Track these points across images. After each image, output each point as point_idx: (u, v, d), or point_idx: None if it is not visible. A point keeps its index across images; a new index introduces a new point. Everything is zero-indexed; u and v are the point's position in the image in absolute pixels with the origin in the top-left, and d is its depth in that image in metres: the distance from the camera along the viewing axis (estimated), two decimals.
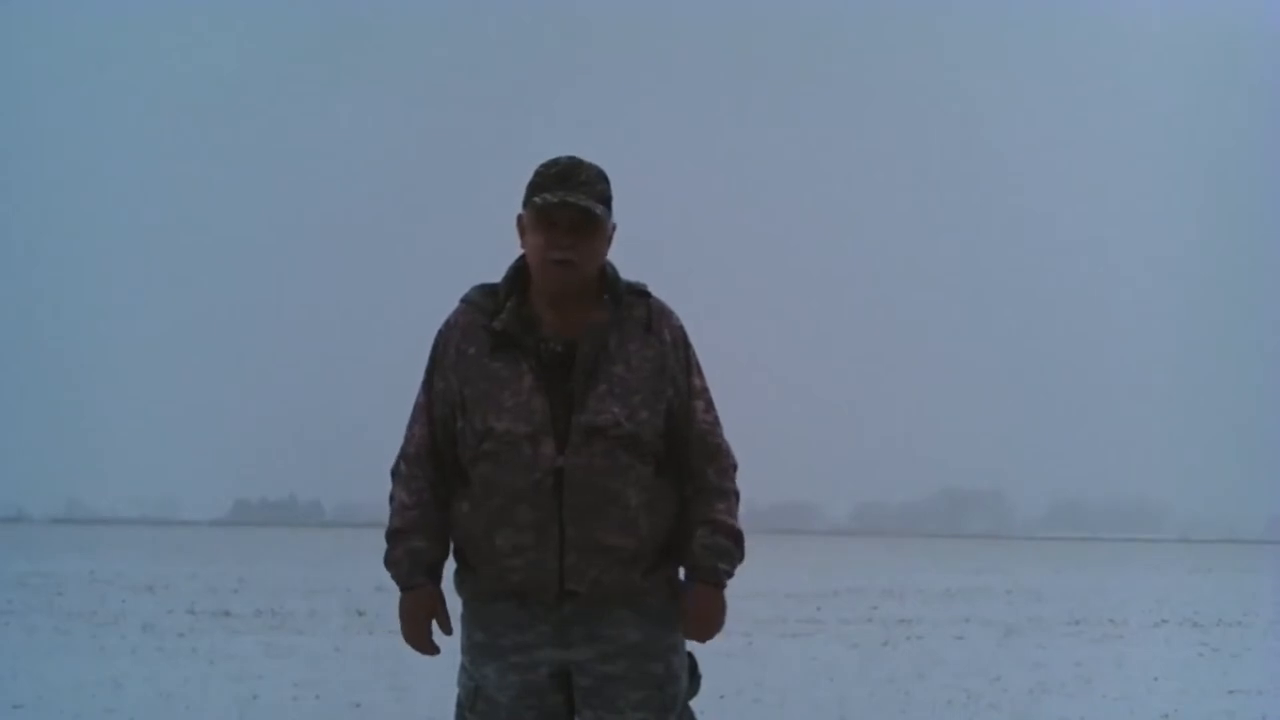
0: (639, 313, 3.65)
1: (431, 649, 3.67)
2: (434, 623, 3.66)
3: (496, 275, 3.68)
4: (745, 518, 3.67)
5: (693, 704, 3.74)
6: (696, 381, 3.68)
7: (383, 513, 3.68)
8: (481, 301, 3.65)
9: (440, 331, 3.68)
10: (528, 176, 3.60)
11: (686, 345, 3.68)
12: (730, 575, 3.63)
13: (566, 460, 3.51)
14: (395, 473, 3.69)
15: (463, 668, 3.68)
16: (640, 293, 3.68)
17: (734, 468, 3.69)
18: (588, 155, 3.61)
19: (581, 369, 3.55)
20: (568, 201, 3.53)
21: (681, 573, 3.67)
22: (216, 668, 11.17)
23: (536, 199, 3.55)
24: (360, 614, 16.79)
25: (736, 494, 3.68)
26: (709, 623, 3.62)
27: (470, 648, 3.65)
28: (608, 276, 3.65)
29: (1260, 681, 11.23)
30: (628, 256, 3.68)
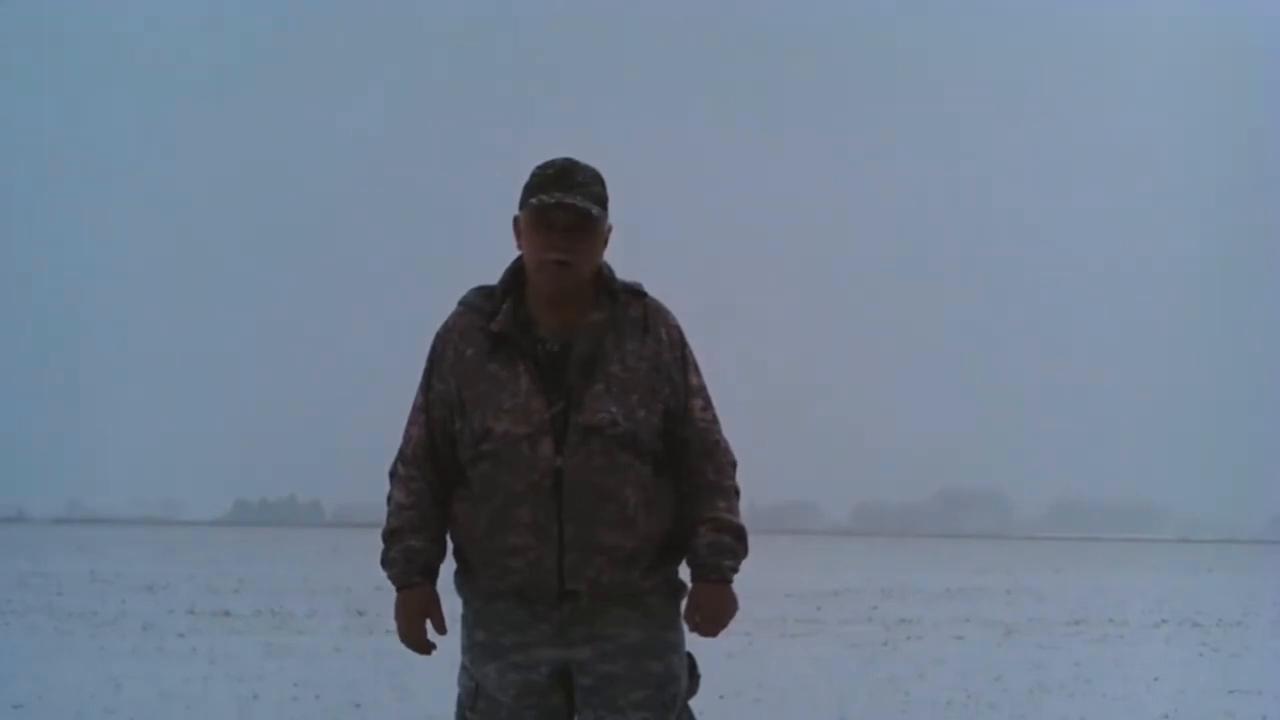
0: (635, 312, 3.66)
1: (426, 648, 3.68)
2: (429, 622, 3.67)
3: (494, 277, 3.69)
4: (745, 517, 3.68)
5: (693, 704, 3.75)
6: (694, 380, 3.68)
7: (383, 513, 3.69)
8: (479, 303, 3.66)
9: (438, 334, 3.69)
10: (524, 178, 3.61)
11: (683, 344, 3.69)
12: (735, 571, 3.64)
13: (565, 460, 3.52)
14: (393, 474, 3.70)
15: (463, 667, 3.69)
16: (636, 293, 3.69)
17: (733, 465, 3.70)
18: (583, 156, 3.61)
19: (578, 369, 3.56)
20: (565, 203, 3.54)
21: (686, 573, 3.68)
22: (216, 668, 11.17)
23: (534, 200, 3.56)
24: (360, 614, 16.79)
25: (737, 491, 3.69)
26: (718, 618, 3.63)
27: (471, 647, 3.66)
28: (604, 277, 3.66)
29: (1260, 681, 11.23)
30: (624, 257, 3.69)
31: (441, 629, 3.68)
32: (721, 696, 9.08)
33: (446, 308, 3.70)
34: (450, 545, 3.70)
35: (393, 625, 3.69)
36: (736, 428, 3.77)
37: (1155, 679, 11.33)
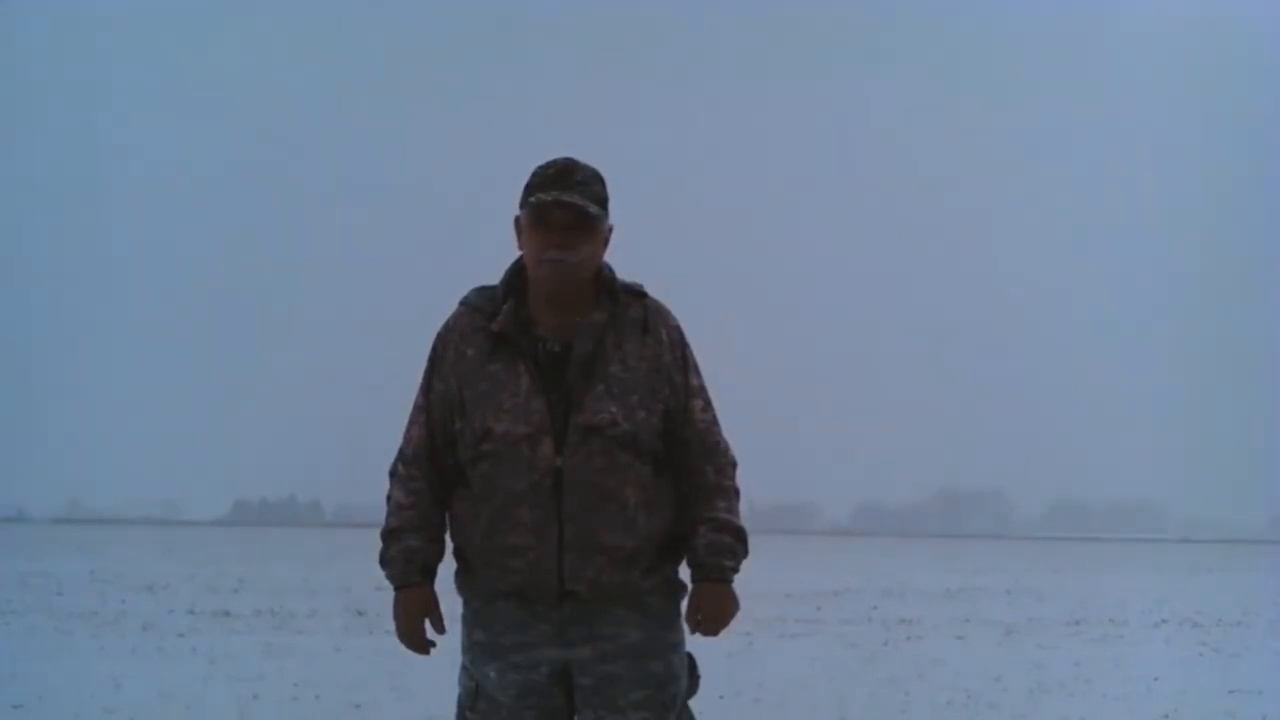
0: (636, 313, 3.66)
1: (425, 648, 3.68)
2: (428, 622, 3.67)
3: (495, 278, 3.69)
4: (745, 517, 3.68)
5: (692, 704, 3.75)
6: (694, 380, 3.69)
7: (383, 513, 3.69)
8: (480, 303, 3.66)
9: (439, 334, 3.70)
10: (525, 179, 3.61)
11: (684, 344, 3.70)
12: (735, 572, 3.64)
13: (565, 460, 3.52)
14: (393, 473, 3.70)
15: (463, 667, 3.69)
16: (637, 293, 3.69)
17: (733, 465, 3.70)
18: (584, 156, 3.61)
19: (578, 369, 3.56)
20: (563, 201, 3.54)
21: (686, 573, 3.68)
22: (216, 668, 11.17)
23: (533, 199, 3.56)
24: (360, 614, 16.80)
25: (737, 491, 3.70)
26: (719, 618, 3.64)
27: (471, 647, 3.66)
28: (604, 277, 3.66)
29: (1260, 681, 11.23)
30: (625, 257, 3.69)
31: (440, 629, 3.69)
32: (721, 696, 9.08)
33: (447, 307, 3.70)
34: (450, 545, 3.70)
35: (392, 625, 3.70)
36: (736, 428, 3.77)
37: (1155, 679, 11.33)
